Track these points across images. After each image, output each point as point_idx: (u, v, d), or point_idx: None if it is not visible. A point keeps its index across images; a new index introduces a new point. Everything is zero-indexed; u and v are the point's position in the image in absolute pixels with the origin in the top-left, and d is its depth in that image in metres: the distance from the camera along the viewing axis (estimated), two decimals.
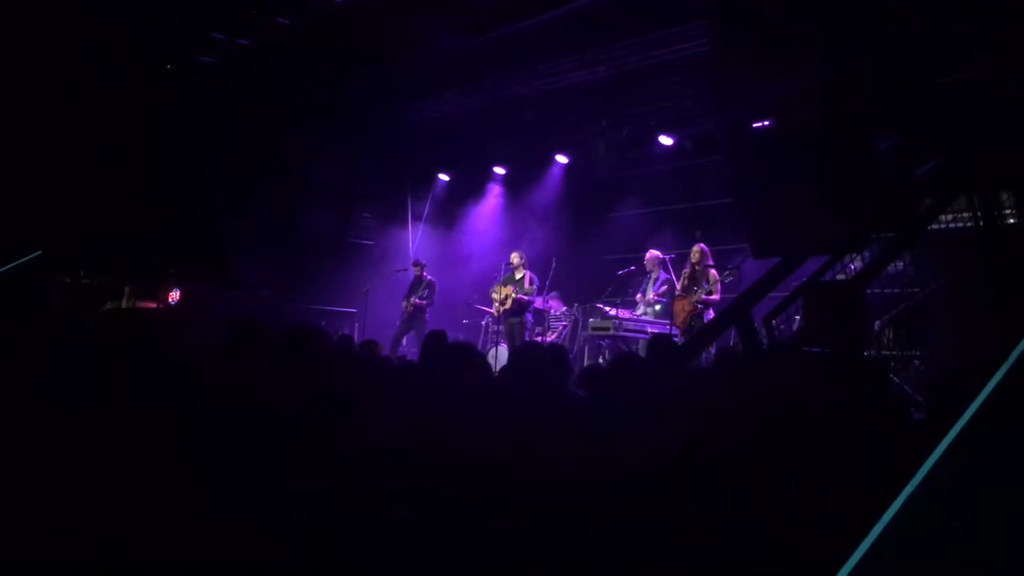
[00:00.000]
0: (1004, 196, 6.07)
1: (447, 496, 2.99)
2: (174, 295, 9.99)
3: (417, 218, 13.77)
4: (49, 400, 3.39)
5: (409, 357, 9.20)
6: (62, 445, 3.14)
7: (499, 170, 13.24)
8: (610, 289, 10.14)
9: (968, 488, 3.05)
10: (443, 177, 13.67)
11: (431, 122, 12.36)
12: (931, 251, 6.15)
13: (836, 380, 4.45)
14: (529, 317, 10.36)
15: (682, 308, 8.98)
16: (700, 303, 8.82)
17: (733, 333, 7.12)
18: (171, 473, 3.05)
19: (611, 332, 8.98)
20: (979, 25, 5.80)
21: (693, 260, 9.06)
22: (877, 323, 6.36)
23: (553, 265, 10.66)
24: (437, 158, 13.43)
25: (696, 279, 8.98)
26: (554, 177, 12.81)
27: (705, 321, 8.61)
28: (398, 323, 11.05)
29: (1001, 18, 5.70)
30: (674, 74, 10.04)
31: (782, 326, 6.19)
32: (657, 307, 9.45)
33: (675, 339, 8.49)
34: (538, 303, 10.54)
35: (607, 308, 9.53)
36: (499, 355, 10.13)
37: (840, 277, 6.09)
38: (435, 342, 4.67)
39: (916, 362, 6.47)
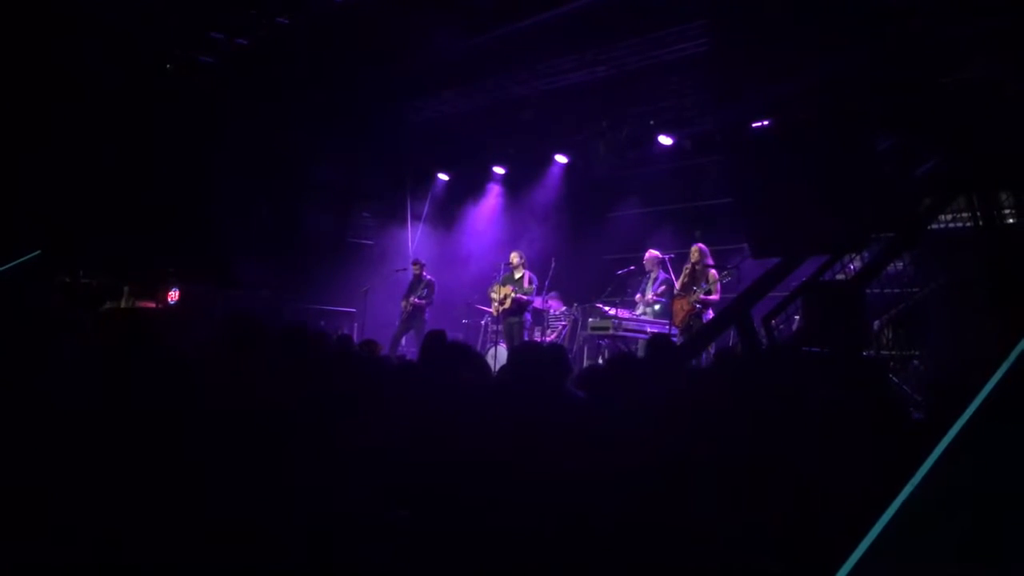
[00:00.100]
0: (1004, 196, 6.08)
1: (447, 496, 2.99)
2: (173, 295, 9.99)
3: (416, 218, 13.77)
4: (48, 400, 3.39)
5: (408, 357, 9.19)
6: (61, 445, 3.13)
7: (499, 170, 13.24)
8: (609, 289, 10.14)
9: (968, 488, 3.05)
10: (443, 177, 13.67)
11: (431, 122, 12.35)
12: (931, 251, 6.15)
13: (835, 380, 4.44)
14: (528, 317, 10.36)
15: (681, 308, 8.98)
16: (699, 303, 8.82)
17: (732, 333, 7.13)
18: (171, 473, 3.05)
19: (610, 332, 8.98)
20: (979, 25, 5.81)
21: (692, 260, 9.06)
22: (876, 323, 6.36)
23: (552, 265, 10.66)
24: (437, 158, 13.43)
25: (695, 279, 8.98)
26: (554, 177, 12.80)
27: (704, 321, 8.61)
28: (397, 323, 11.05)
29: (1001, 18, 5.71)
30: (674, 74, 10.04)
31: (781, 326, 6.20)
32: (656, 307, 9.45)
33: (674, 339, 8.50)
34: (537, 303, 10.54)
35: (606, 308, 9.53)
36: (498, 355, 10.13)
37: (840, 277, 6.10)
38: (434, 342, 4.66)
39: (915, 362, 6.48)
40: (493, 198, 13.59)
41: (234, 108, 11.07)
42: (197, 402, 3.47)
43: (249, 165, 11.69)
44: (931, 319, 6.26)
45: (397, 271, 12.09)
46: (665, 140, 10.88)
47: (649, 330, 8.97)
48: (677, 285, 9.19)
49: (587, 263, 12.01)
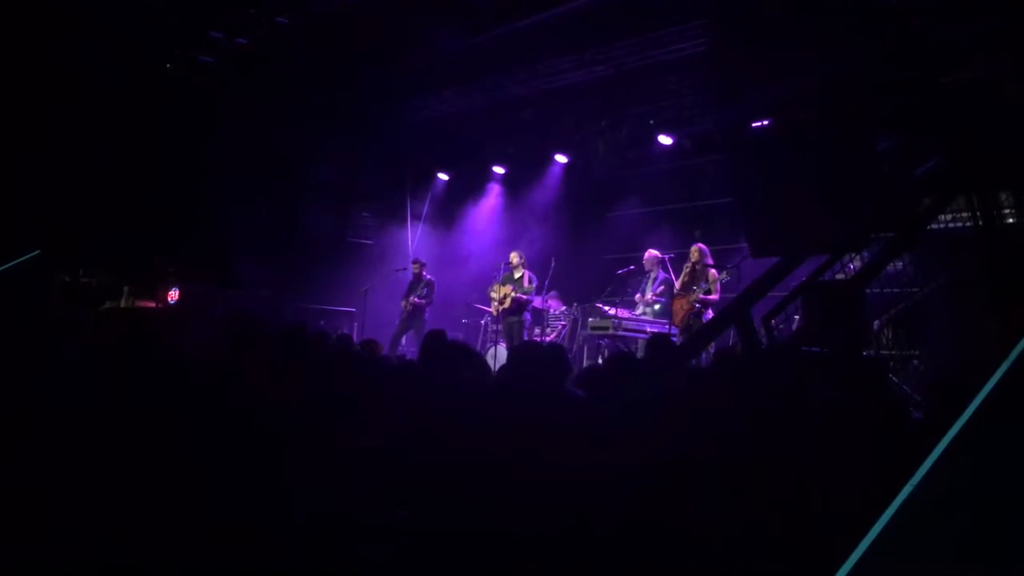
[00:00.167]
0: (1003, 196, 6.08)
1: (447, 496, 2.99)
2: (173, 294, 9.99)
3: (416, 217, 13.77)
4: (48, 399, 3.39)
5: (408, 356, 9.19)
6: (61, 445, 3.13)
7: (498, 169, 13.24)
8: (609, 288, 10.15)
9: (967, 488, 3.05)
10: (442, 176, 13.67)
11: (430, 122, 12.35)
12: (931, 251, 6.15)
13: (835, 380, 4.45)
14: (528, 316, 10.36)
15: (681, 307, 8.98)
16: (698, 302, 8.83)
17: (732, 333, 7.13)
18: (171, 473, 3.05)
19: (610, 332, 8.98)
20: (979, 25, 5.81)
21: (692, 259, 9.07)
22: (876, 323, 6.36)
23: (552, 264, 10.65)
24: (436, 157, 13.43)
25: (695, 278, 8.98)
26: (553, 176, 12.81)
27: (704, 321, 8.61)
28: (397, 322, 11.05)
29: (1001, 18, 5.71)
30: (673, 74, 10.04)
31: (781, 326, 6.20)
32: (656, 307, 9.46)
33: (673, 338, 8.50)
34: (537, 302, 10.54)
35: (606, 307, 9.53)
36: (498, 354, 10.13)
37: (840, 277, 6.10)
38: (434, 341, 4.66)
39: (915, 362, 6.48)
40: (493, 198, 13.59)
41: (234, 108, 11.07)
42: (197, 402, 3.47)
43: (249, 165, 11.69)
44: (931, 319, 6.26)
45: (397, 271, 12.10)
46: (665, 140, 10.88)
47: (649, 330, 8.97)
48: (677, 285, 9.20)
49: (587, 263, 12.01)
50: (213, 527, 2.89)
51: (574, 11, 8.40)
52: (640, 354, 8.03)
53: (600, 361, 9.47)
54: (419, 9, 8.88)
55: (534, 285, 10.31)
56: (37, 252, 8.08)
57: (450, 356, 4.21)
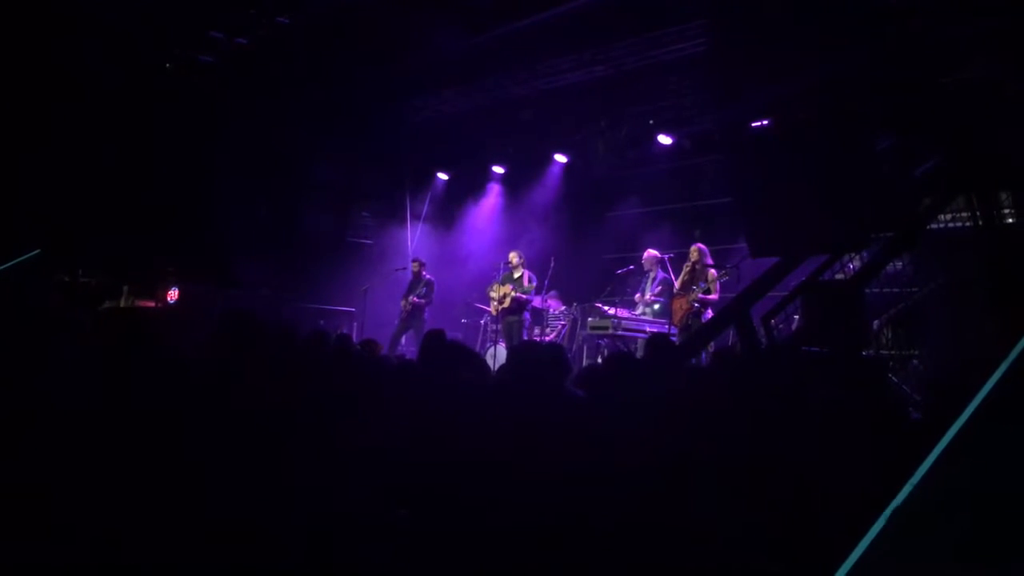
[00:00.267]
0: (1003, 196, 6.08)
1: (447, 496, 2.99)
2: (173, 294, 9.99)
3: (416, 217, 13.77)
4: (48, 399, 3.38)
5: (408, 356, 9.19)
6: (61, 445, 3.13)
7: (498, 169, 13.25)
8: (609, 288, 10.15)
9: (967, 488, 3.05)
10: (442, 176, 13.68)
11: (430, 121, 12.36)
12: (931, 251, 6.16)
13: (835, 380, 4.44)
14: (527, 316, 10.37)
15: (680, 307, 8.99)
16: (698, 302, 8.83)
17: (732, 332, 7.13)
18: (171, 473, 3.05)
19: (610, 331, 8.98)
20: (979, 25, 5.81)
21: (692, 259, 9.08)
22: (876, 323, 6.36)
23: (552, 264, 10.65)
24: (436, 157, 13.43)
25: (695, 278, 8.99)
26: (553, 176, 12.81)
27: (704, 320, 8.61)
28: (397, 322, 11.05)
29: (1001, 18, 5.71)
30: (673, 74, 10.04)
31: (781, 325, 6.20)
32: (655, 306, 9.46)
33: (673, 338, 8.50)
34: (537, 302, 10.54)
35: (606, 307, 9.54)
36: (497, 354, 10.13)
37: (840, 277, 6.10)
38: (434, 341, 4.66)
39: (915, 361, 6.48)
40: (492, 197, 13.60)
41: (234, 107, 11.06)
42: (196, 402, 3.47)
43: (249, 164, 11.69)
44: (931, 319, 6.27)
45: (397, 270, 12.10)
46: (664, 140, 10.89)
47: (648, 329, 8.97)
48: (676, 284, 9.20)
49: (586, 262, 12.01)
50: (213, 527, 2.89)
51: (574, 11, 8.39)
52: (639, 354, 8.04)
53: (600, 361, 9.47)
54: (419, 9, 8.88)
55: (534, 285, 10.32)
56: (37, 252, 8.08)
57: (449, 356, 4.21)
